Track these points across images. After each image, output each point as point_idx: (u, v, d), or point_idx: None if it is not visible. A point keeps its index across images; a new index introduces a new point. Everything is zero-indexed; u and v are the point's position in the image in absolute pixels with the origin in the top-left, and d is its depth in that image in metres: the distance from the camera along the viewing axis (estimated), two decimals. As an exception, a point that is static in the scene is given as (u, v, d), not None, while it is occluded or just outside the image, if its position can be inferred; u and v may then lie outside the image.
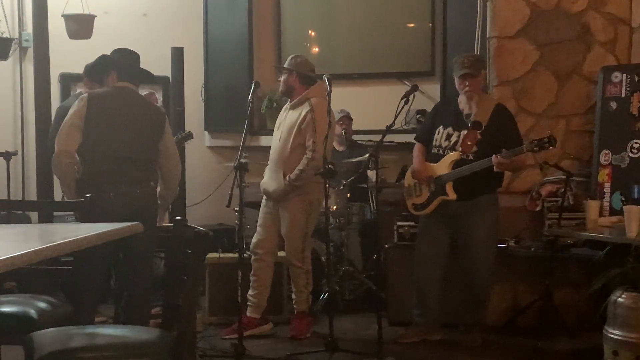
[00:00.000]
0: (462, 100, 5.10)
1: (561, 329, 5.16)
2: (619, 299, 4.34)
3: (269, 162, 5.51)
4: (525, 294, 5.47)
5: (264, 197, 5.51)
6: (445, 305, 5.26)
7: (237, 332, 4.87)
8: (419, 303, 5.29)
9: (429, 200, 5.15)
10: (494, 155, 4.84)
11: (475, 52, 6.09)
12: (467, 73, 5.02)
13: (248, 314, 5.34)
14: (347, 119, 6.55)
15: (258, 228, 5.49)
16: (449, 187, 5.04)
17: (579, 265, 5.36)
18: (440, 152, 5.12)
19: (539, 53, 5.97)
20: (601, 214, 5.17)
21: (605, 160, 5.66)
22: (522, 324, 5.37)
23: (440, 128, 5.16)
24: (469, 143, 4.99)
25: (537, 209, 5.80)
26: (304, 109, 5.31)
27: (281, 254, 5.55)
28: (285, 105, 5.56)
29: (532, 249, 5.62)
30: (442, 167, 5.08)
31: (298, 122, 5.30)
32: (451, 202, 5.05)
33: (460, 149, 5.03)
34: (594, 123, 5.83)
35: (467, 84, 5.04)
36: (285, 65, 5.49)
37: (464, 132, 5.03)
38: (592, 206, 5.04)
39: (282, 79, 5.49)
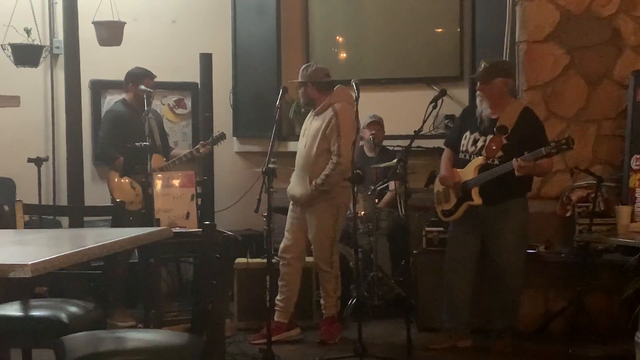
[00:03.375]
0: (477, 102, 5.14)
1: (593, 335, 5.11)
2: (651, 305, 4.28)
3: (295, 168, 5.52)
4: (557, 299, 5.43)
5: (291, 202, 5.52)
6: (476, 311, 5.22)
7: (265, 337, 4.88)
8: (448, 309, 5.26)
9: (457, 206, 5.13)
10: (514, 159, 4.82)
11: (504, 57, 6.06)
12: (476, 77, 5.13)
13: (276, 318, 5.35)
14: (376, 124, 6.51)
15: (286, 233, 5.51)
16: (474, 193, 5.02)
17: (611, 271, 5.31)
18: (467, 157, 5.11)
19: (569, 57, 5.92)
20: (632, 220, 5.10)
21: (636, 165, 5.60)
22: (553, 330, 5.33)
23: (467, 133, 5.16)
24: (494, 147, 4.97)
25: (568, 214, 5.75)
26: (328, 114, 5.32)
27: (309, 259, 5.56)
28: (311, 112, 5.58)
29: (563, 255, 5.58)
30: (468, 173, 5.06)
31: (322, 127, 5.31)
32: (479, 207, 5.02)
33: (484, 153, 5.01)
34: (625, 127, 5.76)
35: (477, 88, 5.11)
36: (299, 79, 5.49)
37: (490, 136, 5.02)
38: (624, 211, 4.98)
39: (300, 91, 5.51)
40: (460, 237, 5.21)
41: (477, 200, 5.02)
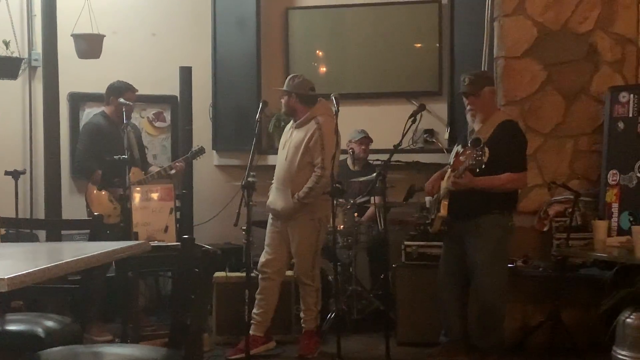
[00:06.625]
0: (468, 119, 5.10)
1: (571, 349, 5.12)
2: (628, 320, 4.32)
3: (274, 182, 5.51)
4: (534, 314, 5.44)
5: (270, 216, 5.51)
6: (469, 327, 5.15)
7: (243, 351, 4.86)
8: (443, 323, 5.21)
9: (434, 218, 5.13)
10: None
11: (487, 71, 6.08)
12: (464, 92, 5.03)
13: (252, 332, 5.29)
14: (366, 139, 6.58)
15: (266, 247, 5.49)
16: (443, 205, 4.97)
17: (588, 285, 5.32)
18: (448, 169, 5.12)
19: (546, 73, 5.97)
20: (609, 234, 5.15)
21: (613, 180, 5.65)
22: (531, 345, 5.33)
23: (455, 146, 5.17)
24: (462, 159, 4.85)
25: (545, 228, 5.77)
26: (311, 127, 5.32)
27: (289, 273, 5.55)
28: (290, 124, 5.58)
29: (541, 269, 5.59)
30: (443, 185, 5.07)
31: (305, 140, 5.31)
32: (455, 221, 4.97)
33: (451, 166, 4.97)
34: (601, 143, 5.82)
35: (467, 102, 5.04)
36: (284, 88, 5.50)
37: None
38: (600, 226, 5.02)
39: (283, 100, 5.51)
40: (446, 251, 5.19)
41: (442, 211, 4.95)
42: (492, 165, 4.78)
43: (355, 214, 6.13)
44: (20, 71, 6.23)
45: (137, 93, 6.12)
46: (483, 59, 6.22)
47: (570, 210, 5.38)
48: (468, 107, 5.04)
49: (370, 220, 6.34)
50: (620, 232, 5.42)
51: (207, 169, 7.30)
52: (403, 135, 4.95)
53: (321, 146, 5.24)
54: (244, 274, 5.13)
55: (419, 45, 7.30)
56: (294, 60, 7.41)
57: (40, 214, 6.50)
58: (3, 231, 5.01)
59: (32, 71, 6.75)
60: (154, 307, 6.61)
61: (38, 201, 6.64)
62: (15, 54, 6.16)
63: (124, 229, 5.34)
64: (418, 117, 5.04)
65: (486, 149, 4.69)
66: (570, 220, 5.32)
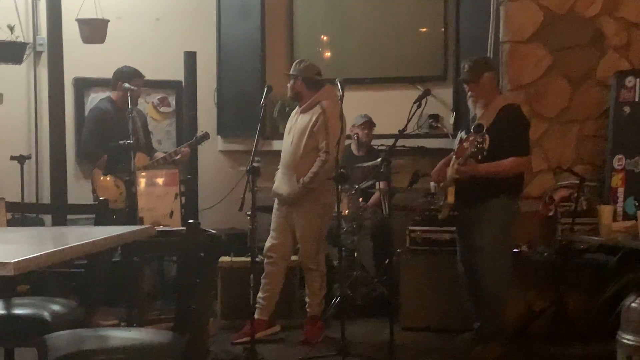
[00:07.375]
0: (469, 105, 5.10)
1: (574, 335, 5.13)
2: (633, 304, 4.31)
3: (279, 167, 5.52)
4: (538, 299, 5.44)
5: (276, 201, 5.52)
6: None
7: (248, 335, 4.88)
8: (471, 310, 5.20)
9: (442, 205, 5.12)
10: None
11: (487, 56, 6.06)
12: (463, 79, 5.04)
13: (256, 316, 5.31)
14: (369, 124, 6.57)
15: (272, 232, 5.50)
16: (450, 191, 4.95)
17: (592, 270, 5.32)
18: (453, 156, 5.10)
19: (552, 58, 5.94)
20: (614, 219, 5.14)
21: (619, 165, 5.63)
22: (535, 330, 5.34)
23: (459, 133, 5.15)
24: (465, 146, 4.84)
25: (550, 213, 5.76)
26: (315, 112, 5.33)
27: (294, 257, 5.57)
28: (295, 110, 5.58)
29: (545, 254, 5.57)
30: (448, 172, 5.06)
31: (310, 125, 5.31)
32: (462, 207, 4.97)
33: (455, 152, 4.95)
34: (607, 128, 5.80)
35: (467, 89, 5.04)
36: (291, 71, 5.50)
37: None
38: (606, 211, 5.01)
39: (289, 84, 5.51)
40: (459, 241, 5.18)
41: (450, 198, 4.93)
42: (495, 151, 4.78)
43: (360, 199, 6.13)
44: (25, 56, 6.23)
45: (142, 78, 6.12)
46: (489, 44, 6.20)
47: (575, 195, 5.37)
48: (469, 94, 5.05)
49: (375, 206, 6.34)
50: (626, 217, 5.40)
51: (212, 154, 7.30)
52: (408, 121, 4.94)
53: (325, 131, 5.24)
54: (248, 259, 5.14)
55: (424, 29, 7.28)
56: (299, 45, 7.39)
57: (46, 198, 6.52)
58: (9, 216, 5.02)
59: (37, 56, 6.75)
60: (158, 291, 6.64)
61: (44, 186, 6.66)
62: (20, 39, 6.16)
63: (129, 213, 5.35)
64: (423, 102, 5.01)
65: (486, 136, 4.69)
66: (576, 205, 5.32)
